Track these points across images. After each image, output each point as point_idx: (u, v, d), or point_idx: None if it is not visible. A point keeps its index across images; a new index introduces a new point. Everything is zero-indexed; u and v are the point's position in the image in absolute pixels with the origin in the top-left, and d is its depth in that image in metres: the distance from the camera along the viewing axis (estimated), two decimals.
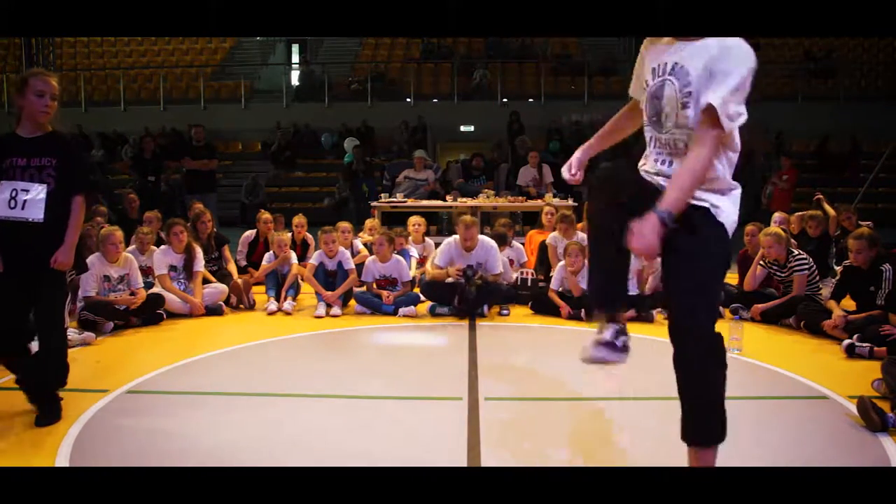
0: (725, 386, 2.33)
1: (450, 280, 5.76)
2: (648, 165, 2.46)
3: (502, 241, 6.44)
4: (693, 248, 2.30)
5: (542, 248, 6.81)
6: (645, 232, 2.15)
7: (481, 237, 5.89)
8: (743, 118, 2.20)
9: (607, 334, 2.51)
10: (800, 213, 7.30)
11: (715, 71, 2.17)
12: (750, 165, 12.47)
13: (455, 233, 5.97)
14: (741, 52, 2.18)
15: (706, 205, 2.33)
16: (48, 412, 3.30)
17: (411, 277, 6.22)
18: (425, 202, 9.67)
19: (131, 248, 6.09)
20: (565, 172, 2.69)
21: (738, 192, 2.39)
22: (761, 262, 5.71)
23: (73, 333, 4.81)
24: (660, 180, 2.39)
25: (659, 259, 2.36)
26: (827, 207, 7.19)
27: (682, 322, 2.29)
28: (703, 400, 2.34)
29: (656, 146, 2.42)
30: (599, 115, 15.55)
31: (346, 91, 17.57)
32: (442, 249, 5.92)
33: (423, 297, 5.94)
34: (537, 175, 10.11)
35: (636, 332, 5.25)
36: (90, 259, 5.32)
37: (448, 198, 9.62)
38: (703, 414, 2.36)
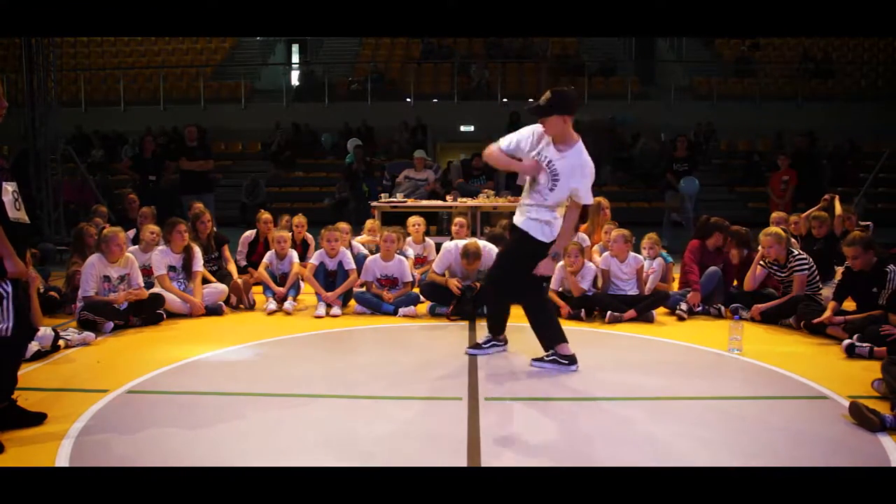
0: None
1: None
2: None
3: (501, 242, 6.39)
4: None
5: None
6: (545, 264, 4.12)
7: (483, 244, 5.81)
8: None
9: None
10: (803, 214, 7.26)
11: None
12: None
13: (454, 234, 5.92)
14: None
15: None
16: None
17: (411, 278, 6.22)
18: (425, 202, 9.64)
19: (134, 247, 6.08)
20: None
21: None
22: (761, 262, 5.71)
23: (73, 333, 4.82)
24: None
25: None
26: (837, 206, 7.08)
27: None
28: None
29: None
30: (599, 114, 15.74)
31: (346, 91, 17.58)
32: (442, 256, 5.85)
33: (422, 298, 5.93)
34: None
35: (637, 332, 5.28)
36: (90, 259, 5.32)
37: (448, 198, 9.60)
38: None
